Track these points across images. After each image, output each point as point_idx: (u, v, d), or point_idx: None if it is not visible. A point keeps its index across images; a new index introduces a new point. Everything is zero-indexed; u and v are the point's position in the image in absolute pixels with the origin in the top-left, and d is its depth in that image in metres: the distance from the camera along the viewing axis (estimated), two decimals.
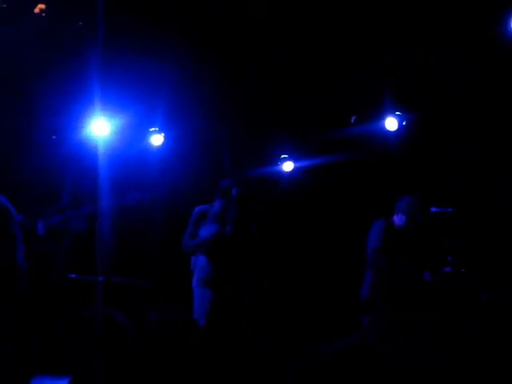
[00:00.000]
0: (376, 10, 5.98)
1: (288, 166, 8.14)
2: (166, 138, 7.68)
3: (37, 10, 6.23)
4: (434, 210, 5.68)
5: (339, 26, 6.27)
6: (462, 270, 5.57)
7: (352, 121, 7.35)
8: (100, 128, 7.03)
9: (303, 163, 8.03)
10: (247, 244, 5.10)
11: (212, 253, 4.99)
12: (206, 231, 5.05)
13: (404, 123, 7.31)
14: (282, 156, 8.14)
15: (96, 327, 2.93)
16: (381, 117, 7.31)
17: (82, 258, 5.88)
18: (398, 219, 5.73)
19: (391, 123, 7.29)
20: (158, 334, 2.79)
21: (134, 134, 7.49)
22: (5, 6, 5.97)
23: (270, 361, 4.67)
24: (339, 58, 6.66)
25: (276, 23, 6.26)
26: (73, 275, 5.99)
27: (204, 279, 5.02)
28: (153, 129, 7.64)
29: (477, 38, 6.08)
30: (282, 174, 8.16)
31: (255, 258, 5.11)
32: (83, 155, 6.86)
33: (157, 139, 7.68)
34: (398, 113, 7.28)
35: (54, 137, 6.10)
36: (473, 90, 6.63)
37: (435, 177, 6.98)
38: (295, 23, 6.24)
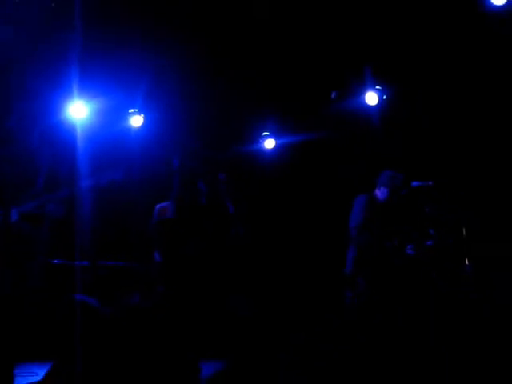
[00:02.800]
0: None
1: (270, 144, 8.10)
2: (145, 119, 7.60)
3: None
4: (414, 183, 5.70)
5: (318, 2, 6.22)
6: (450, 241, 5.59)
7: (332, 96, 7.31)
8: (78, 111, 6.97)
9: (285, 140, 7.99)
10: (219, 224, 5.12)
11: (155, 241, 5.17)
12: None
13: (384, 97, 7.28)
14: (264, 133, 8.09)
15: (72, 313, 2.91)
16: (361, 92, 7.27)
17: (64, 242, 5.83)
18: (380, 193, 5.75)
19: (371, 98, 7.25)
20: (134, 318, 2.76)
21: (113, 116, 7.41)
22: None
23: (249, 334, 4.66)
24: (319, 33, 6.60)
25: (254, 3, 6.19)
26: (55, 261, 5.95)
27: None
28: (132, 110, 7.55)
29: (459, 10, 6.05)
30: (263, 151, 8.12)
31: (229, 238, 5.12)
32: (59, 138, 6.78)
33: (136, 120, 7.60)
34: (378, 87, 7.24)
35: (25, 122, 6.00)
36: (452, 63, 6.62)
37: (414, 151, 6.99)
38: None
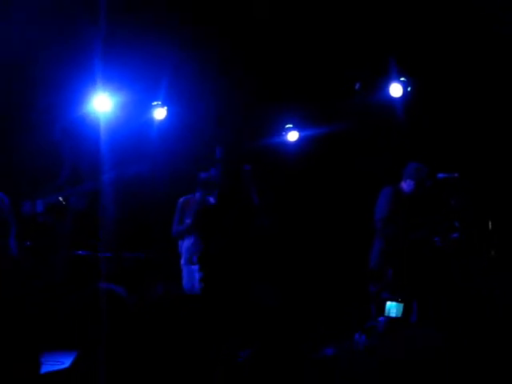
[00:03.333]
0: None
1: (293, 136, 8.06)
2: (168, 111, 7.60)
3: None
4: (440, 175, 5.63)
5: None
6: (468, 234, 5.54)
7: (356, 88, 7.24)
8: (102, 104, 6.99)
9: (308, 133, 7.94)
10: (243, 216, 5.16)
11: (198, 227, 5.24)
12: (190, 219, 5.61)
13: (409, 89, 7.19)
14: (287, 126, 8.05)
15: (98, 302, 2.91)
16: (385, 83, 7.19)
17: (87, 234, 5.88)
18: (405, 185, 5.70)
19: (396, 89, 7.17)
20: (161, 306, 2.75)
21: (136, 109, 7.43)
22: None
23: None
24: (342, 24, 6.54)
25: None
26: (79, 252, 5.99)
27: (190, 259, 5.54)
28: (155, 103, 7.56)
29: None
30: (287, 143, 8.08)
31: (255, 229, 5.16)
32: (83, 131, 6.81)
33: (160, 113, 7.61)
34: (402, 79, 7.16)
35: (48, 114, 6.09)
36: (478, 53, 6.52)
37: (440, 143, 6.89)
38: None
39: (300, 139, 8.03)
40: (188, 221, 5.62)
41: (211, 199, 5.57)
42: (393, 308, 4.79)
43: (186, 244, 5.65)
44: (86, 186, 4.84)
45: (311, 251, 7.56)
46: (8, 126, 6.28)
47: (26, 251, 4.07)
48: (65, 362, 4.60)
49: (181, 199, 5.81)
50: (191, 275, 5.51)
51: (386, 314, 4.80)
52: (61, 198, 4.57)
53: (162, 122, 7.61)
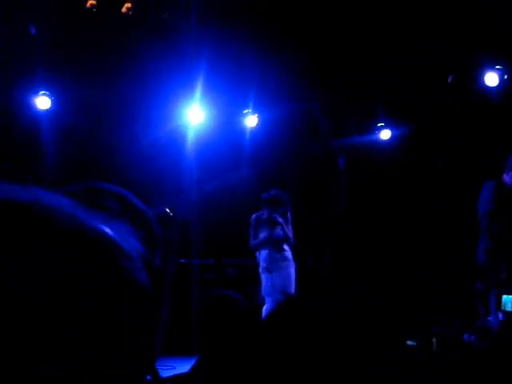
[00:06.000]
0: None
1: (386, 135, 7.95)
2: (260, 118, 7.67)
3: (124, 10, 6.42)
4: None
5: None
6: None
7: (449, 80, 7.05)
8: (195, 116, 7.16)
9: (401, 131, 7.80)
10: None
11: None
12: (263, 233, 6.09)
13: (505, 77, 6.93)
14: (379, 124, 7.95)
15: (214, 308, 2.99)
16: (480, 73, 6.96)
17: (190, 242, 6.05)
18: (508, 178, 5.48)
19: (492, 78, 6.93)
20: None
21: (228, 118, 7.55)
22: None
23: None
24: (433, 17, 6.40)
25: None
26: (183, 260, 6.17)
27: (267, 268, 5.97)
28: (246, 111, 7.66)
29: None
30: (379, 142, 7.98)
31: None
32: (181, 142, 7.01)
33: (251, 121, 7.69)
34: (498, 67, 6.91)
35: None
36: None
37: None
38: None
39: (393, 137, 7.91)
40: (262, 235, 6.05)
41: (277, 216, 5.95)
42: (509, 302, 4.59)
43: (262, 255, 6.07)
44: (189, 196, 4.99)
45: (411, 249, 7.43)
46: (114, 145, 6.56)
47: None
48: (176, 366, 4.75)
49: (253, 216, 6.19)
50: (268, 282, 5.92)
51: (502, 308, 4.61)
52: (167, 209, 4.73)
53: (255, 128, 7.70)
